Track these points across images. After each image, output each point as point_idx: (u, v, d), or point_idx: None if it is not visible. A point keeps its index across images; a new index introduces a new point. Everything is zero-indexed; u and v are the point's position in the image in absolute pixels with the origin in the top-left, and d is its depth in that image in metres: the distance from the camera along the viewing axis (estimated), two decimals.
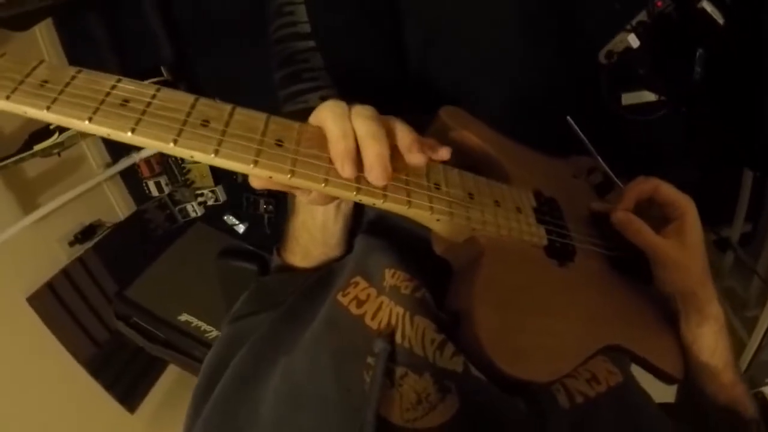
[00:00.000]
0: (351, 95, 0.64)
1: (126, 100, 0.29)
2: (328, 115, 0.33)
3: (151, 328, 1.45)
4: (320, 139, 0.33)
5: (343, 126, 0.32)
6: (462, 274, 0.40)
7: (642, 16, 0.95)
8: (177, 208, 1.77)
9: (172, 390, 1.82)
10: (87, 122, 0.28)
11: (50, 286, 1.50)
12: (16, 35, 1.34)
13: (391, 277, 0.40)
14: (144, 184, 1.70)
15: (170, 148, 0.29)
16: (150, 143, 0.29)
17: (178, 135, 0.29)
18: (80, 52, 1.59)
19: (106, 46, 1.39)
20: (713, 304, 0.46)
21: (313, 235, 0.48)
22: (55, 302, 1.52)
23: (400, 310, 0.38)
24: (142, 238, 1.78)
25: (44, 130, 1.25)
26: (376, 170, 0.32)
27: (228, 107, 0.32)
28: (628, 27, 0.95)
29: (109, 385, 1.62)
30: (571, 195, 0.51)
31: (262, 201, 1.65)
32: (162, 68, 1.39)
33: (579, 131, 0.57)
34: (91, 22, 1.37)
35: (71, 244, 1.60)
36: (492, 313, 0.36)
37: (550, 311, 0.40)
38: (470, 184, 0.41)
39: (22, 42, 1.39)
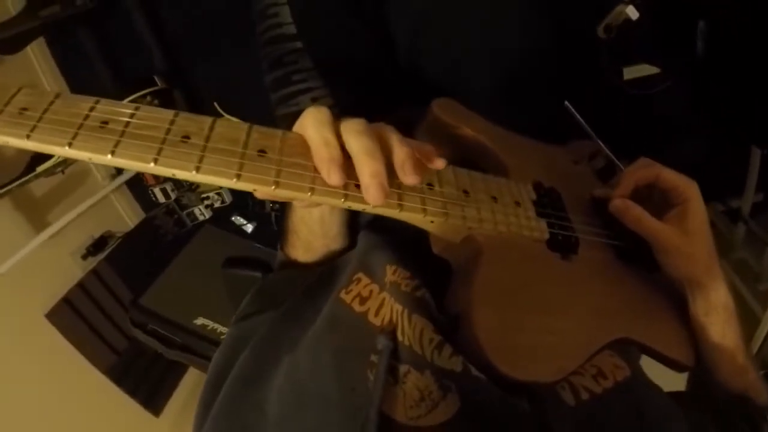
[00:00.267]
0: (342, 94, 0.64)
1: (105, 122, 0.29)
2: (309, 123, 0.32)
3: (167, 333, 1.47)
4: (304, 146, 0.33)
5: (323, 133, 0.31)
6: (461, 274, 0.39)
7: None
8: (185, 213, 1.78)
9: (194, 391, 1.85)
10: (67, 147, 0.28)
11: (67, 300, 1.53)
12: (8, 57, 1.34)
13: (392, 273, 0.40)
14: (150, 192, 1.71)
15: (151, 168, 0.29)
16: (131, 164, 0.29)
17: (158, 154, 0.29)
18: (74, 67, 1.59)
19: (99, 59, 1.39)
20: (720, 291, 0.45)
21: (312, 228, 0.48)
22: (73, 316, 1.55)
23: (399, 307, 0.38)
24: (153, 245, 1.80)
25: None
26: (373, 189, 0.31)
27: (209, 120, 0.31)
28: None
29: (132, 391, 1.65)
30: (572, 183, 0.50)
31: (267, 199, 1.66)
32: (155, 77, 1.39)
33: (578, 116, 0.55)
34: (82, 36, 1.37)
35: (84, 257, 1.63)
36: (492, 315, 0.35)
37: (554, 308, 0.39)
38: (465, 181, 0.39)
39: (16, 62, 1.39)
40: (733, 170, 1.09)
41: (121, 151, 0.28)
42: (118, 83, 1.42)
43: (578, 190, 0.50)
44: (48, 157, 1.25)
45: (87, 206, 1.51)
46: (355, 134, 0.32)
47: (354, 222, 0.50)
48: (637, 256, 0.46)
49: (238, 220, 1.79)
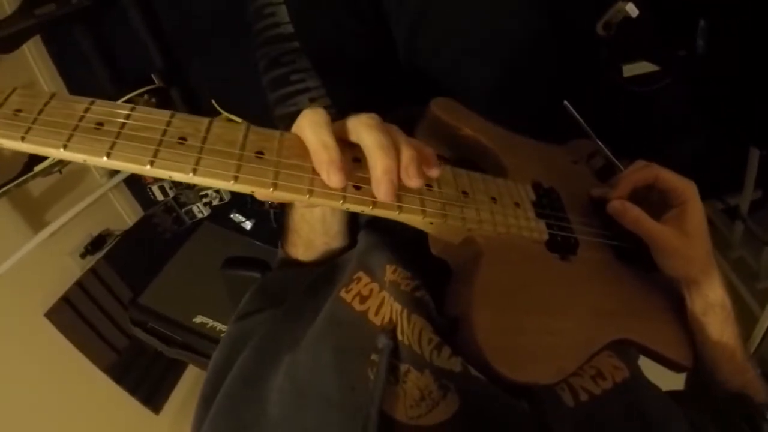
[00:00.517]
0: (341, 94, 0.63)
1: (100, 123, 0.28)
2: (306, 125, 0.32)
3: (167, 332, 1.47)
4: (303, 147, 0.32)
5: (321, 135, 0.31)
6: (460, 276, 0.39)
7: None
8: (183, 210, 1.78)
9: (194, 388, 1.85)
10: (62, 149, 0.27)
11: (66, 299, 1.53)
12: (5, 56, 1.33)
13: (392, 273, 0.40)
14: (149, 190, 1.71)
15: (147, 170, 0.28)
16: (126, 166, 0.28)
17: (155, 156, 0.28)
18: (71, 66, 1.58)
19: (96, 58, 1.38)
20: (717, 290, 0.45)
21: (314, 226, 0.47)
22: (73, 314, 1.55)
23: (398, 306, 0.38)
24: (152, 243, 1.79)
25: None
26: (383, 186, 0.31)
27: (205, 121, 0.31)
28: None
29: (133, 389, 1.66)
30: (571, 183, 0.50)
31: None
32: (153, 76, 1.38)
33: (577, 115, 0.55)
34: (79, 35, 1.36)
35: (83, 255, 1.63)
36: (491, 316, 0.35)
37: (554, 309, 0.39)
38: (464, 182, 0.39)
39: (12, 61, 1.38)
40: (732, 168, 1.09)
41: (116, 152, 0.28)
42: (115, 82, 1.42)
43: (577, 190, 0.50)
44: (45, 156, 1.25)
45: (85, 205, 1.51)
46: (368, 128, 0.32)
47: (354, 221, 0.50)
48: (635, 256, 0.46)
49: (237, 217, 1.79)
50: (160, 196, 1.71)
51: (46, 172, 1.25)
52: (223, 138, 0.31)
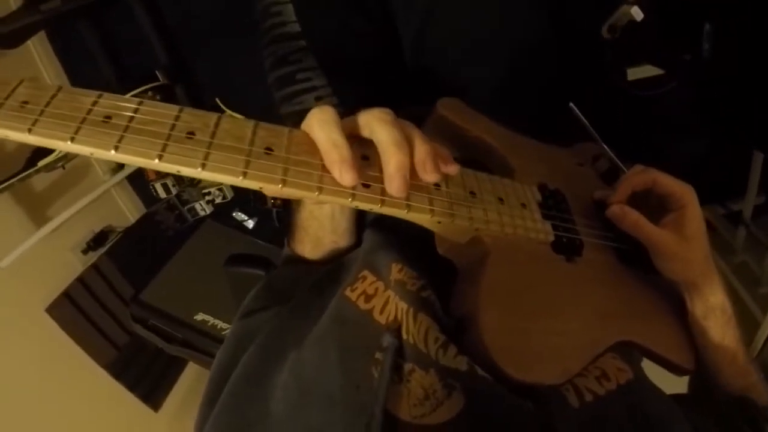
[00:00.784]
0: (347, 93, 0.63)
1: (108, 117, 0.28)
2: (315, 123, 0.32)
3: (168, 329, 1.47)
4: (312, 145, 0.32)
5: (331, 134, 0.31)
6: (467, 275, 0.39)
7: None
8: (186, 208, 1.78)
9: (194, 386, 1.85)
10: (69, 142, 0.27)
11: (67, 295, 1.53)
12: (10, 52, 1.33)
13: (398, 272, 0.40)
14: (151, 187, 1.71)
15: (155, 165, 0.28)
16: (134, 160, 0.28)
17: (163, 150, 0.28)
18: (76, 63, 1.58)
19: (101, 54, 1.38)
20: (717, 293, 0.45)
21: (323, 224, 0.47)
22: (74, 310, 1.55)
23: (404, 305, 0.38)
24: (154, 240, 1.80)
25: None
26: (396, 181, 0.31)
27: (214, 116, 0.31)
28: None
29: (132, 386, 1.66)
30: (576, 185, 0.50)
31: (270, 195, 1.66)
32: (157, 72, 1.38)
33: (582, 118, 0.55)
34: (84, 31, 1.36)
35: (84, 251, 1.63)
36: (498, 317, 0.35)
37: (559, 310, 0.39)
38: (472, 182, 0.39)
39: (17, 56, 1.39)
40: (735, 173, 1.09)
41: (124, 146, 0.28)
42: (120, 78, 1.42)
43: (582, 193, 0.50)
44: (49, 151, 1.25)
45: (88, 201, 1.51)
46: (382, 123, 0.32)
47: (361, 220, 0.50)
48: (637, 259, 0.47)
49: (239, 215, 1.79)
50: (162, 194, 1.71)
51: (49, 167, 1.25)
52: (231, 133, 0.30)
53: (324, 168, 0.31)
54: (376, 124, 0.32)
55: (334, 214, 0.47)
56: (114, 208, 1.81)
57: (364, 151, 0.33)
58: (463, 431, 0.32)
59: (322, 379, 0.36)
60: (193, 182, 1.74)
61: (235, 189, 1.77)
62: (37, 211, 1.49)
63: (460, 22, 0.58)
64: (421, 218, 0.35)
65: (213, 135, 0.30)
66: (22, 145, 1.51)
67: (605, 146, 0.56)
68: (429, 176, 0.32)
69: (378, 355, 0.35)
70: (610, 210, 0.45)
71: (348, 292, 0.41)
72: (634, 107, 0.96)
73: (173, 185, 1.71)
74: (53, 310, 1.48)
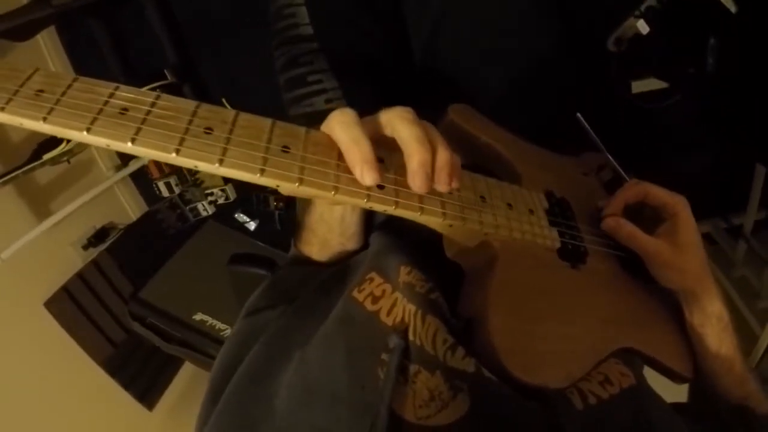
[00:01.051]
0: (357, 96, 0.64)
1: (125, 109, 0.28)
2: (336, 125, 0.32)
3: (166, 328, 1.47)
4: (328, 145, 0.33)
5: (352, 134, 0.31)
6: (475, 278, 0.39)
7: (651, 1, 0.93)
8: (188, 208, 1.78)
9: (189, 386, 1.85)
10: (85, 133, 0.27)
11: (66, 290, 1.53)
12: (18, 44, 1.34)
13: (407, 274, 0.40)
14: (154, 185, 1.71)
15: (172, 158, 0.28)
16: (151, 153, 0.28)
17: (180, 144, 0.28)
18: (84, 58, 1.59)
19: (110, 50, 1.39)
20: (714, 302, 0.46)
21: (332, 226, 0.48)
22: (72, 305, 1.54)
23: (412, 307, 0.38)
24: (155, 239, 1.80)
25: (53, 139, 1.26)
26: (419, 177, 0.31)
27: (231, 113, 0.31)
28: (637, 13, 0.92)
29: (127, 384, 1.65)
30: (581, 194, 0.51)
31: (272, 198, 1.67)
32: (166, 71, 1.39)
33: (589, 128, 0.56)
34: (94, 27, 1.37)
35: (85, 247, 1.63)
36: (506, 319, 0.36)
37: (564, 315, 0.40)
38: (482, 187, 0.40)
39: (25, 49, 1.39)
40: (737, 187, 1.10)
41: (141, 139, 0.28)
42: (128, 75, 1.42)
43: (586, 201, 0.50)
44: (54, 145, 1.25)
45: (91, 196, 1.51)
46: (405, 121, 0.32)
47: (369, 223, 0.50)
48: (638, 267, 0.47)
49: (242, 217, 1.79)
50: (165, 192, 1.72)
51: (54, 161, 1.25)
52: (249, 131, 0.31)
53: (340, 168, 0.32)
54: (398, 121, 0.33)
55: (344, 217, 0.47)
56: (116, 205, 1.81)
57: (379, 154, 0.34)
58: None
59: (328, 379, 0.36)
60: (197, 182, 1.75)
61: (239, 190, 1.77)
62: (40, 204, 1.49)
63: (471, 29, 0.58)
64: (433, 221, 0.36)
65: (231, 131, 0.30)
66: (28, 138, 1.51)
67: (610, 157, 0.57)
68: (443, 185, 0.33)
69: (384, 356, 0.36)
70: (605, 222, 0.46)
71: (355, 294, 0.41)
72: (638, 119, 0.97)
73: (176, 184, 1.72)
74: (51, 304, 1.48)
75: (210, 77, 1.54)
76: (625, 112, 0.97)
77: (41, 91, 0.28)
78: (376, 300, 0.40)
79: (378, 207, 0.33)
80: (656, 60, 0.94)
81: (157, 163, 1.67)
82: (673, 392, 0.48)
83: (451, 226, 0.36)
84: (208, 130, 0.30)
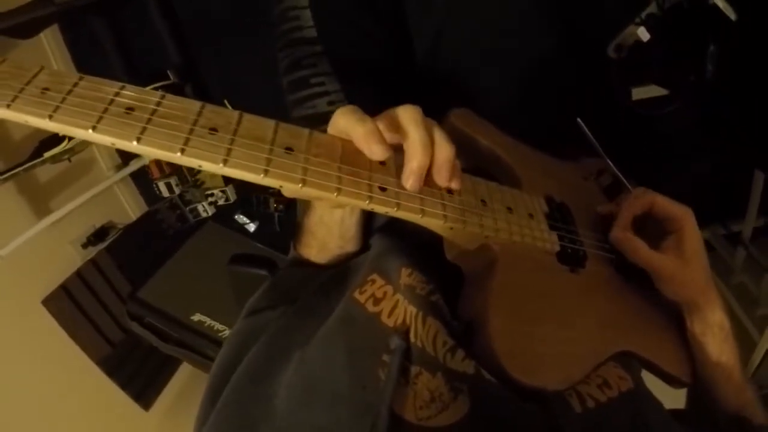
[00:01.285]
0: (361, 99, 0.64)
1: (130, 108, 0.29)
2: (339, 118, 0.34)
3: (164, 328, 1.47)
4: (331, 146, 0.33)
5: (356, 116, 0.33)
6: (475, 281, 0.40)
7: (652, 8, 0.93)
8: (188, 209, 1.78)
9: (186, 387, 1.85)
10: (91, 131, 0.27)
11: (64, 288, 1.53)
12: (21, 42, 1.35)
13: (408, 276, 0.41)
14: (155, 186, 1.71)
15: (177, 158, 0.29)
16: (156, 153, 0.29)
17: (186, 144, 0.29)
18: (86, 57, 1.60)
19: (112, 49, 1.39)
20: (716, 311, 0.46)
21: (330, 228, 0.48)
22: (70, 304, 1.54)
23: (413, 309, 0.38)
24: (154, 239, 1.80)
25: (54, 137, 1.26)
26: (413, 178, 0.33)
27: (235, 114, 0.31)
28: (638, 20, 0.93)
29: (124, 384, 1.65)
30: (581, 199, 0.51)
31: (272, 200, 1.67)
32: (168, 71, 1.40)
33: (589, 133, 0.56)
34: (97, 26, 1.37)
35: (84, 246, 1.63)
36: (506, 322, 0.36)
37: (563, 319, 0.40)
38: (482, 191, 0.40)
39: (27, 47, 1.40)
40: (736, 194, 1.10)
41: (147, 138, 0.28)
42: (131, 74, 1.43)
43: (586, 206, 0.51)
44: (56, 143, 1.26)
45: (91, 195, 1.51)
46: (414, 123, 0.34)
47: (368, 227, 0.51)
48: (637, 273, 0.48)
49: (241, 218, 1.79)
50: (165, 193, 1.72)
51: (55, 159, 1.25)
52: (253, 132, 0.31)
53: (343, 170, 0.32)
54: (408, 122, 0.34)
55: (343, 220, 0.47)
56: (116, 204, 1.81)
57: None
58: None
59: (329, 378, 0.36)
60: (197, 183, 1.75)
61: (239, 192, 1.77)
62: (40, 202, 1.50)
63: (473, 30, 0.59)
64: (434, 223, 0.36)
65: (235, 132, 0.30)
66: (29, 136, 1.52)
67: (609, 162, 0.57)
68: (442, 179, 0.35)
69: (385, 357, 0.36)
70: (613, 236, 0.46)
71: (356, 295, 0.41)
72: (638, 126, 0.97)
73: (176, 185, 1.72)
74: (50, 302, 1.48)
75: (210, 77, 1.54)
76: (625, 118, 0.98)
77: (47, 89, 0.28)
78: (377, 301, 0.40)
79: (380, 208, 0.33)
80: (656, 67, 0.94)
81: (158, 163, 1.67)
82: (670, 397, 0.49)
83: (451, 228, 0.37)
84: (213, 131, 0.30)
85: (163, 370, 1.79)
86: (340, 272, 0.48)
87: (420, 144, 0.33)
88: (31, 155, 1.27)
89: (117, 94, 0.29)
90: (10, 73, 0.28)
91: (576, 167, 0.59)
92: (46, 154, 1.24)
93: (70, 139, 1.25)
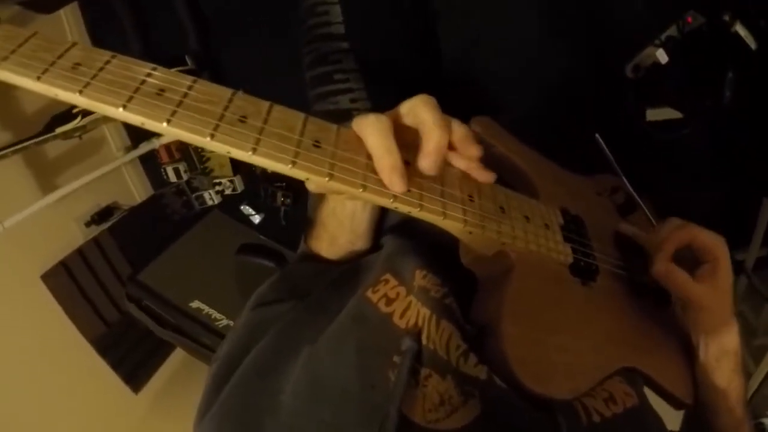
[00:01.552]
0: (383, 98, 0.65)
1: (162, 90, 0.29)
2: (372, 131, 0.33)
3: (162, 312, 1.47)
4: (358, 144, 0.33)
5: (387, 142, 0.32)
6: (490, 287, 0.40)
7: (672, 31, 0.94)
8: (194, 195, 1.78)
9: (177, 373, 1.84)
10: (121, 109, 0.27)
11: (64, 264, 1.53)
12: (40, 16, 1.35)
13: (422, 278, 0.41)
14: (163, 170, 1.71)
15: (207, 143, 0.29)
16: (186, 136, 0.28)
17: (215, 130, 0.29)
18: (104, 36, 1.60)
19: (131, 32, 1.40)
20: (734, 338, 0.47)
21: (342, 222, 0.48)
22: (69, 281, 1.55)
23: (426, 312, 0.38)
24: (158, 223, 1.80)
25: (67, 113, 1.26)
26: (431, 157, 0.33)
27: (266, 104, 0.32)
28: (657, 42, 0.94)
29: (116, 365, 1.65)
30: (594, 213, 0.51)
31: (279, 193, 1.65)
32: (186, 57, 1.40)
33: (606, 150, 0.57)
34: (117, 6, 1.38)
35: (87, 224, 1.63)
36: (520, 329, 0.36)
37: (573, 329, 0.41)
38: (502, 198, 0.41)
39: (46, 23, 1.40)
40: (741, 222, 1.10)
41: (177, 121, 0.28)
42: (148, 58, 1.43)
43: (599, 221, 0.51)
44: (68, 119, 1.26)
45: (98, 174, 1.51)
46: (428, 106, 0.34)
47: (379, 226, 0.51)
48: (647, 291, 0.48)
49: (247, 209, 1.79)
50: (173, 178, 1.72)
51: (67, 135, 1.25)
52: (282, 122, 0.31)
53: (368, 168, 0.32)
54: (420, 107, 0.34)
55: (355, 214, 0.47)
56: (123, 185, 1.82)
57: (405, 156, 0.34)
58: None
59: (338, 376, 0.36)
60: (205, 170, 1.75)
61: (246, 183, 1.77)
62: (47, 177, 1.50)
63: (501, 51, 0.60)
64: (454, 226, 0.36)
65: (265, 121, 0.31)
66: (41, 110, 1.51)
67: (626, 181, 0.58)
68: (469, 150, 0.35)
69: (396, 359, 0.36)
70: (657, 269, 0.45)
71: (369, 294, 0.41)
72: (652, 148, 0.98)
73: (185, 171, 1.72)
74: (49, 277, 1.48)
75: (231, 67, 1.54)
76: (639, 138, 0.98)
77: (78, 64, 0.28)
78: (390, 302, 0.40)
79: (403, 208, 0.33)
80: (673, 89, 0.95)
81: (168, 148, 1.68)
82: (668, 416, 0.49)
83: (470, 233, 0.37)
84: (243, 119, 0.30)
85: (156, 354, 1.79)
86: (351, 269, 0.48)
87: (435, 123, 0.33)
88: (42, 129, 1.27)
89: (149, 75, 0.29)
90: (41, 47, 0.28)
91: (591, 182, 0.59)
92: (58, 130, 1.24)
93: (84, 116, 1.25)
